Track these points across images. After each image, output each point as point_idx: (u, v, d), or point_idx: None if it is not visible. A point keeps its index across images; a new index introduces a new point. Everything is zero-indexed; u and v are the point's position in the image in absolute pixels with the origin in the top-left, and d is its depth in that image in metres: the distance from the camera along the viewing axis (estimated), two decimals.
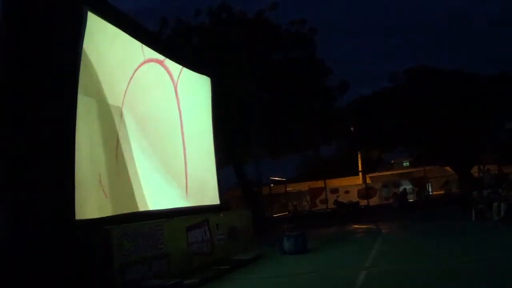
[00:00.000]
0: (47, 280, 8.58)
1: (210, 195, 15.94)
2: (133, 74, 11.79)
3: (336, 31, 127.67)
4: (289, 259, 14.65)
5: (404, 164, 56.43)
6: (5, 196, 9.11)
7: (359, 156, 45.98)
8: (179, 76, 14.45)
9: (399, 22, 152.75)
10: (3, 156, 9.27)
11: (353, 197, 39.56)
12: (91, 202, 9.58)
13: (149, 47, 12.86)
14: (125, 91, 11.55)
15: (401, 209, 32.11)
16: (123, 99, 11.39)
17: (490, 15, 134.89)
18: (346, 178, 47.33)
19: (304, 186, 44.62)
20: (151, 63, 12.79)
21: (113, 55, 11.13)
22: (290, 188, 45.52)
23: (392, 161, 59.67)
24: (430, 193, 41.05)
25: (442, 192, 35.92)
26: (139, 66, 12.01)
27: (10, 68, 9.40)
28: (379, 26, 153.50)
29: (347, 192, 40.60)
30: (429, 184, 41.54)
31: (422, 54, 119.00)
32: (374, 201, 39.66)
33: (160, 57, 13.48)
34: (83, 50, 9.67)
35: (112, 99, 10.96)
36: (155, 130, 12.81)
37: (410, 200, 36.86)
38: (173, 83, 14.06)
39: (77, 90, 9.30)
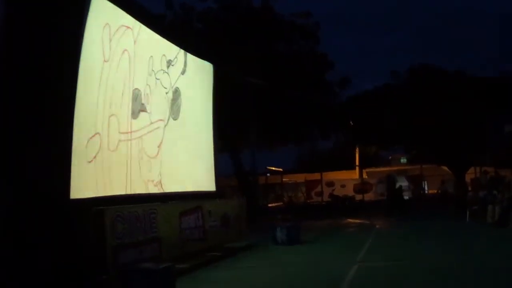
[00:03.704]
0: (37, 260, 8.59)
1: (205, 182, 15.91)
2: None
3: (340, 25, 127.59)
4: (281, 250, 14.70)
5: (402, 160, 56.50)
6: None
7: (356, 150, 45.94)
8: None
9: (403, 18, 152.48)
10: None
11: (349, 191, 39.58)
12: (86, 182, 9.54)
13: (152, 29, 12.63)
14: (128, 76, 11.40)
15: (395, 205, 32.11)
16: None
17: (495, 15, 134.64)
18: (343, 171, 47.33)
19: (300, 177, 44.65)
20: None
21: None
22: (286, 179, 45.55)
23: (390, 157, 59.73)
24: (426, 191, 41.13)
25: (437, 191, 35.93)
26: None
27: (9, 50, 9.37)
28: (382, 22, 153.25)
29: (343, 186, 40.62)
30: (425, 182, 41.60)
31: (425, 52, 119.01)
32: (369, 196, 39.70)
33: None
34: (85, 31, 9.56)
35: (114, 82, 10.83)
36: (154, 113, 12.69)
37: (405, 198, 36.92)
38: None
39: (77, 71, 9.19)
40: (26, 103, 9.11)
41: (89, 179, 8.78)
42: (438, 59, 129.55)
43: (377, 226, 21.50)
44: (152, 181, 11.87)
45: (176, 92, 13.18)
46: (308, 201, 40.78)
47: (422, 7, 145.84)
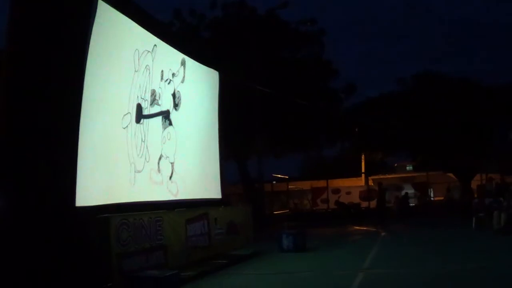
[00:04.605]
0: (44, 266, 8.62)
1: (211, 189, 15.95)
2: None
3: (345, 33, 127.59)
4: (287, 257, 14.70)
5: (407, 168, 56.28)
6: (6, 180, 9.13)
7: (362, 157, 45.82)
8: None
9: (410, 27, 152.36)
10: (6, 141, 9.30)
11: (355, 198, 39.46)
12: (91, 189, 9.59)
13: (159, 38, 12.89)
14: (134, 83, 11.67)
15: (401, 213, 32.07)
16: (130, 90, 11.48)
17: (503, 23, 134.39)
18: (349, 179, 47.18)
19: (306, 185, 44.51)
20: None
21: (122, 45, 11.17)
22: (292, 186, 45.45)
23: (396, 165, 59.50)
24: (432, 199, 41.00)
25: (443, 198, 35.84)
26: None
27: (15, 55, 9.45)
28: (388, 30, 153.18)
29: (348, 193, 40.49)
30: (431, 189, 41.45)
31: (432, 60, 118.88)
32: (375, 203, 39.53)
33: None
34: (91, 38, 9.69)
35: (120, 90, 11.02)
36: (159, 121, 12.87)
37: (411, 205, 36.85)
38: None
39: (83, 79, 9.35)
40: (33, 108, 9.19)
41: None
42: (443, 67, 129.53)
43: (383, 234, 21.47)
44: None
45: (178, 96, 13.88)
46: (314, 208, 40.66)
47: (427, 16, 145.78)
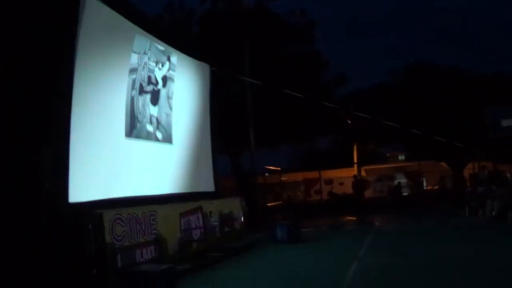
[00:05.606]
0: (39, 263, 8.60)
1: (205, 182, 15.96)
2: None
3: (336, 26, 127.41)
4: (281, 248, 14.72)
5: (400, 158, 56.44)
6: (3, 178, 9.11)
7: (354, 148, 45.87)
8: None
9: (401, 19, 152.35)
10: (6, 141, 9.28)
11: (347, 189, 39.45)
12: (85, 185, 9.59)
13: (149, 32, 13.25)
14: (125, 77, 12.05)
15: (394, 203, 32.13)
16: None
17: (493, 15, 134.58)
18: (341, 169, 47.24)
19: (299, 176, 44.54)
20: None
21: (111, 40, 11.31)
22: (285, 178, 45.47)
23: (388, 155, 59.64)
24: (425, 188, 41.12)
25: (437, 187, 35.90)
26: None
27: (3, 54, 9.43)
28: (379, 23, 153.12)
29: (341, 183, 40.52)
30: (424, 179, 41.56)
31: (423, 53, 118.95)
32: (368, 193, 39.58)
33: None
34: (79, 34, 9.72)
35: (110, 85, 11.10)
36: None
37: (404, 194, 36.93)
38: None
39: (73, 75, 9.36)
40: (23, 105, 9.17)
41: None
42: (436, 60, 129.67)
43: (377, 223, 21.54)
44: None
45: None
46: (307, 199, 40.71)
47: (415, 10, 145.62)
